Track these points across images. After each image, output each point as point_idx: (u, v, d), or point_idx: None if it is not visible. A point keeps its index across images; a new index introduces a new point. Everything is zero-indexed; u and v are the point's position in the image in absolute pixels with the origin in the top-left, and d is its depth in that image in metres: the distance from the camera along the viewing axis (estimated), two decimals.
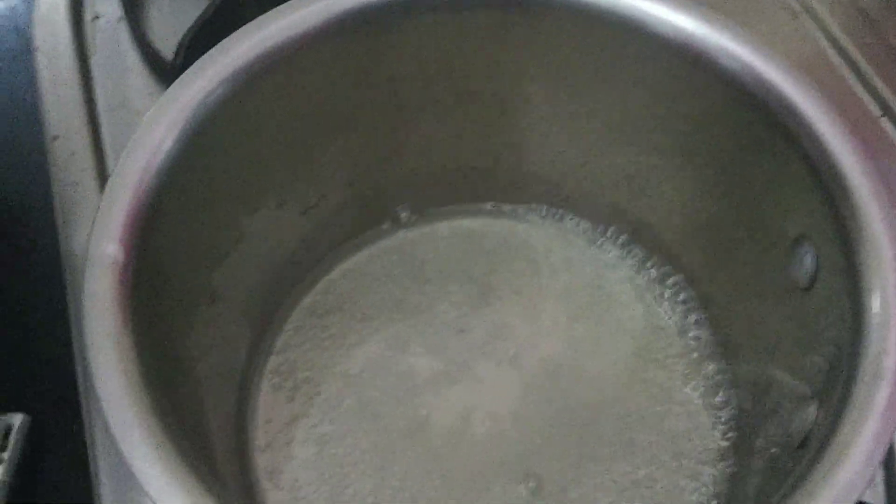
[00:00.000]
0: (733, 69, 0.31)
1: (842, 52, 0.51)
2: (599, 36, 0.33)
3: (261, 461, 0.36)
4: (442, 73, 0.36)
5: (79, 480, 0.40)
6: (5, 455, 0.41)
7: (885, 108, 0.48)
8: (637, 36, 0.32)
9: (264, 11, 0.32)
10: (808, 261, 0.30)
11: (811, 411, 0.28)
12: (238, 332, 0.37)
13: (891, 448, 0.38)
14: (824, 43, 0.51)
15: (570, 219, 0.41)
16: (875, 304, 0.27)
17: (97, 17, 0.54)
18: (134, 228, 0.28)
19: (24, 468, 0.41)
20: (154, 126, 0.29)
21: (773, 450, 0.31)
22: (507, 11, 0.34)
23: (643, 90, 0.34)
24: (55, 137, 0.50)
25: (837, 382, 0.27)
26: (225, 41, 0.31)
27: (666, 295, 0.39)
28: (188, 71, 0.31)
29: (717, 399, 0.37)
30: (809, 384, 0.29)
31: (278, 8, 0.32)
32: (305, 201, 0.38)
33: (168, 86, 0.30)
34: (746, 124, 0.32)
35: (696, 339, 0.38)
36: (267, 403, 0.37)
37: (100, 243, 0.27)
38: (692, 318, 0.38)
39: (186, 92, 0.29)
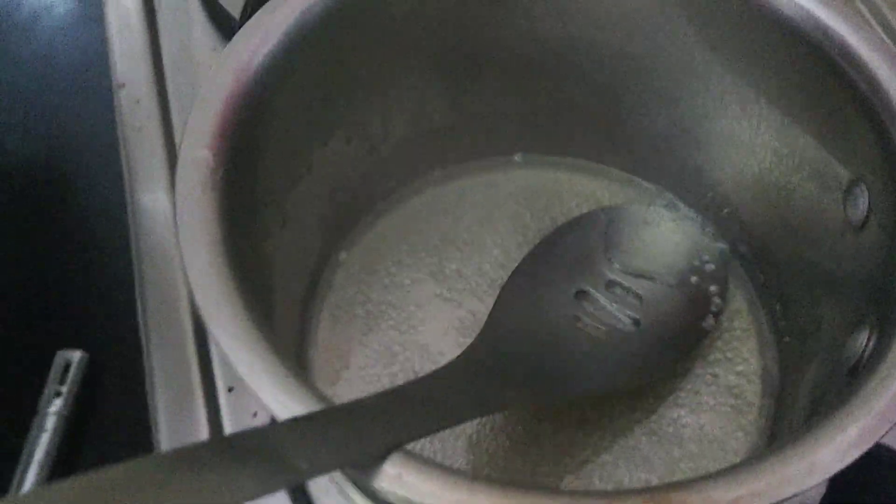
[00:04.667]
0: (794, 16, 0.32)
1: (891, 32, 0.52)
2: None
3: (319, 383, 0.37)
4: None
5: (135, 416, 0.42)
6: (63, 389, 0.43)
7: None
8: None
9: None
10: (862, 202, 0.31)
11: (861, 339, 0.29)
12: (302, 260, 0.38)
13: None
14: (876, 27, 0.53)
15: (621, 171, 0.42)
16: None
17: None
18: (223, 137, 0.29)
19: (82, 403, 0.43)
20: (249, 37, 0.30)
21: (818, 387, 0.32)
22: None
23: (702, 38, 0.35)
24: (121, 85, 0.52)
25: (889, 308, 0.28)
26: None
27: (719, 244, 0.40)
28: None
29: (767, 351, 0.38)
30: (859, 315, 0.30)
31: None
32: (371, 138, 0.39)
33: None
34: (804, 71, 0.33)
35: (749, 288, 0.39)
36: (325, 337, 0.39)
37: (192, 148, 0.29)
38: (746, 266, 0.40)
39: (285, 5, 0.31)
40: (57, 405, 0.43)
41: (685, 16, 0.35)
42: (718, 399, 0.37)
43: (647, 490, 0.23)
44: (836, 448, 0.24)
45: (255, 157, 0.31)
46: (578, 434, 0.36)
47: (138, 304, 0.45)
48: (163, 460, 0.21)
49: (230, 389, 0.41)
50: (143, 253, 0.46)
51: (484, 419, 0.36)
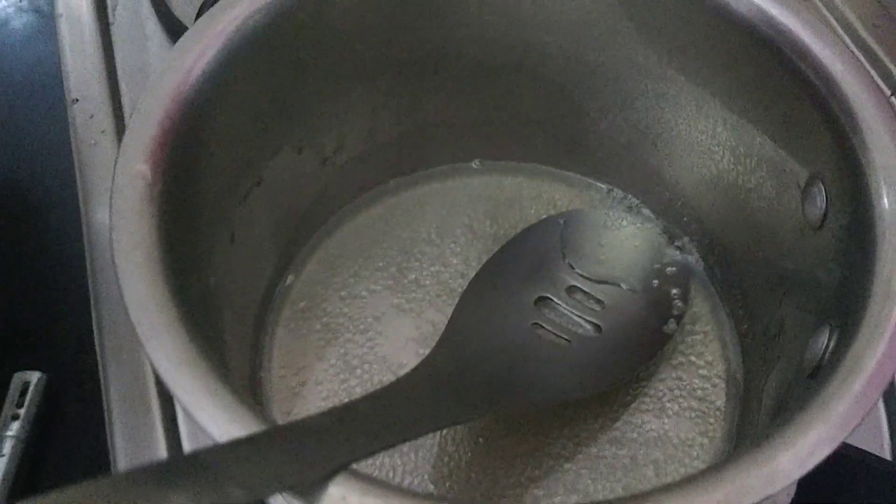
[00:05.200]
0: (744, 13, 0.32)
1: (853, 33, 0.52)
2: None
3: (275, 400, 0.36)
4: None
5: (93, 438, 0.41)
6: (21, 412, 0.42)
7: (895, 88, 0.50)
8: None
9: None
10: (819, 201, 0.31)
11: (822, 340, 0.28)
12: (254, 276, 0.37)
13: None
14: (836, 25, 0.53)
15: (578, 176, 0.42)
16: (886, 232, 0.27)
17: None
18: (161, 151, 0.28)
19: (40, 425, 0.42)
20: (188, 50, 0.29)
21: (782, 390, 0.32)
22: None
23: (655, 40, 0.34)
24: (75, 100, 0.51)
25: (849, 308, 0.27)
26: None
27: (680, 247, 0.40)
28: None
29: (730, 354, 0.37)
30: (820, 315, 0.30)
31: None
32: (323, 150, 0.38)
33: None
34: (759, 70, 0.32)
35: (711, 291, 0.39)
36: (281, 351, 0.38)
37: (128, 161, 0.28)
38: (708, 268, 0.39)
39: (223, 17, 0.30)
40: (14, 429, 0.42)
41: (636, 18, 0.35)
42: (682, 404, 0.36)
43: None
44: (795, 455, 0.23)
45: (197, 170, 0.30)
46: (541, 443, 0.35)
47: (94, 323, 0.44)
48: (93, 488, 0.20)
49: None
50: (98, 271, 0.45)
51: (444, 432, 0.35)
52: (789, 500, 0.37)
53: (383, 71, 0.37)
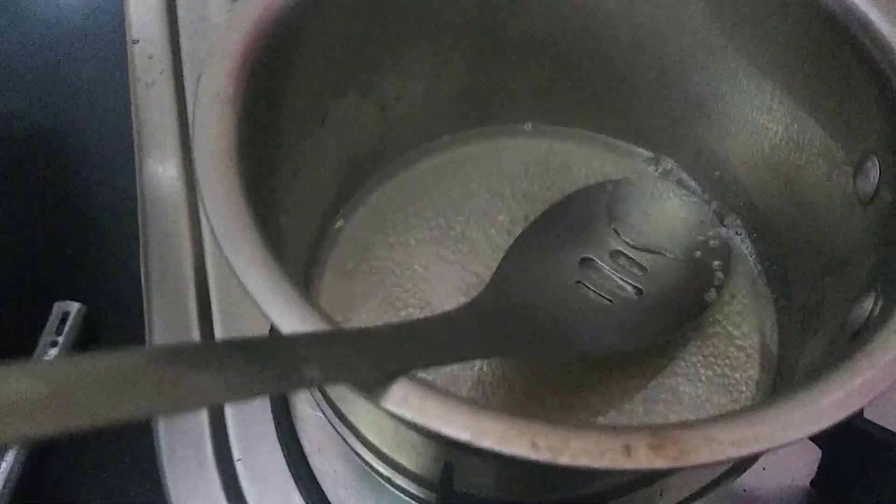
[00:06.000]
0: None
1: None
2: None
3: None
4: None
5: None
6: (60, 339, 0.43)
7: None
8: None
9: None
10: (872, 175, 0.32)
11: (867, 304, 0.29)
12: (309, 216, 0.38)
13: None
14: None
15: (629, 145, 0.43)
16: None
17: None
18: (242, 70, 0.30)
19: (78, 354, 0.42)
20: None
21: (816, 360, 0.32)
22: None
23: (720, 13, 0.35)
24: (136, 41, 0.52)
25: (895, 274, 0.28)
26: None
27: (725, 220, 0.41)
28: None
29: (767, 327, 0.38)
30: (863, 287, 0.30)
31: None
32: (385, 98, 0.39)
33: None
34: (821, 47, 0.33)
35: (752, 264, 0.40)
36: (329, 290, 0.39)
37: (212, 77, 0.29)
38: (751, 242, 0.40)
39: None
40: (52, 355, 0.43)
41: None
42: (716, 370, 0.37)
43: (653, 426, 0.23)
44: (839, 397, 0.24)
45: (272, 97, 0.31)
46: (575, 397, 0.36)
47: (141, 259, 0.45)
48: (177, 349, 0.21)
49: None
50: (149, 206, 0.47)
51: (482, 378, 0.36)
52: (809, 479, 0.38)
53: (447, 31, 0.38)
